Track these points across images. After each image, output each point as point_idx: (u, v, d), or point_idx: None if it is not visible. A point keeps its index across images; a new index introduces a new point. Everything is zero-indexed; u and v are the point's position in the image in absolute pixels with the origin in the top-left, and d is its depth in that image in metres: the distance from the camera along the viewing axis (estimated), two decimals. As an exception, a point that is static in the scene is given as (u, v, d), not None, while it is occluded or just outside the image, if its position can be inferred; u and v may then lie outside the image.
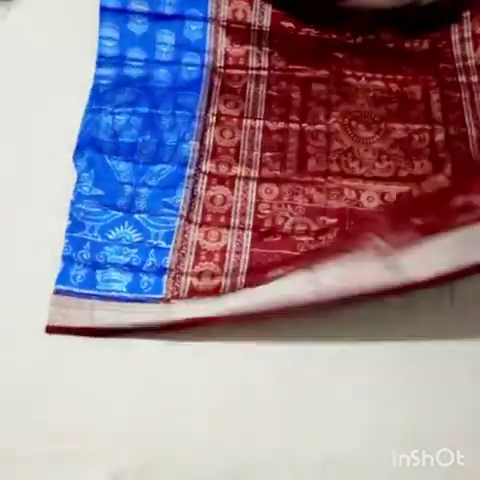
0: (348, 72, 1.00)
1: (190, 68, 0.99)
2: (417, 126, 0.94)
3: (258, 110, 0.96)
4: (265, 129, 0.94)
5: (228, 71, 1.00)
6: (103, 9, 0.98)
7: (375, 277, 0.69)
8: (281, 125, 0.94)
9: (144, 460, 0.65)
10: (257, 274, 0.78)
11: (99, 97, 0.95)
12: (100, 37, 0.98)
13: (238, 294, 0.75)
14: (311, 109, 0.96)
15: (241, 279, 0.78)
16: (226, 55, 1.01)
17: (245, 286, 0.76)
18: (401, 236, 0.71)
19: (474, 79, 0.99)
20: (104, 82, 0.97)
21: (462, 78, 1.00)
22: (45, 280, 0.76)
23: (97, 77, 0.97)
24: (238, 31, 1.00)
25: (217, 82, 0.99)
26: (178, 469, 0.65)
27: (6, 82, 0.97)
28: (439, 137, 0.92)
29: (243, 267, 0.79)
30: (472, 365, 0.71)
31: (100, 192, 0.84)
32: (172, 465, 0.65)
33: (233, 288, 0.77)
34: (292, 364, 0.72)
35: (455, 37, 1.02)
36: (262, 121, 0.94)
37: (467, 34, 1.02)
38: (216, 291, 0.77)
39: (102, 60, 0.98)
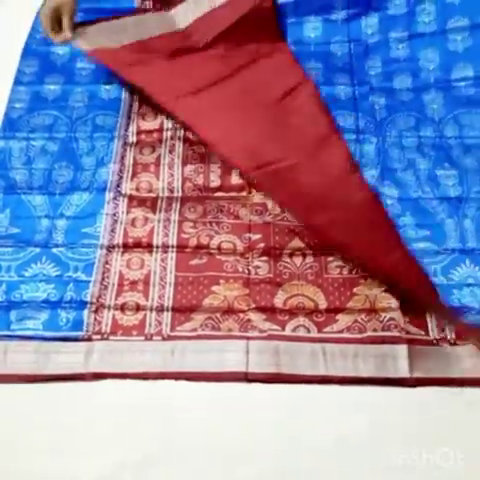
0: None
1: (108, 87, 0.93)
2: None
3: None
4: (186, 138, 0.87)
5: None
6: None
7: None
8: None
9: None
10: (182, 316, 0.72)
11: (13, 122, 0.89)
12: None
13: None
14: None
15: (167, 318, 0.72)
16: None
17: (172, 327, 0.72)
18: None
19: None
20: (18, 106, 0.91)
21: None
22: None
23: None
24: None
25: (136, 97, 0.92)
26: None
27: None
28: None
29: (168, 300, 0.73)
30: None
31: (16, 230, 0.78)
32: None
33: (158, 326, 0.72)
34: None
35: None
36: (183, 130, 0.88)
37: None
38: (140, 328, 0.72)
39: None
